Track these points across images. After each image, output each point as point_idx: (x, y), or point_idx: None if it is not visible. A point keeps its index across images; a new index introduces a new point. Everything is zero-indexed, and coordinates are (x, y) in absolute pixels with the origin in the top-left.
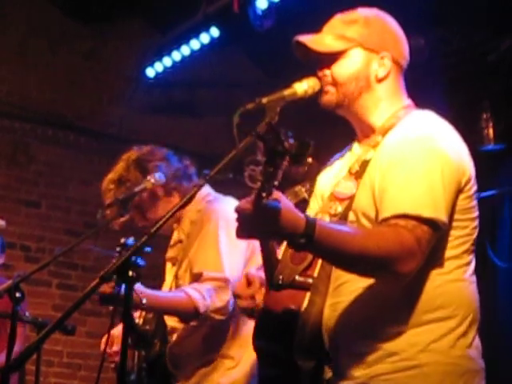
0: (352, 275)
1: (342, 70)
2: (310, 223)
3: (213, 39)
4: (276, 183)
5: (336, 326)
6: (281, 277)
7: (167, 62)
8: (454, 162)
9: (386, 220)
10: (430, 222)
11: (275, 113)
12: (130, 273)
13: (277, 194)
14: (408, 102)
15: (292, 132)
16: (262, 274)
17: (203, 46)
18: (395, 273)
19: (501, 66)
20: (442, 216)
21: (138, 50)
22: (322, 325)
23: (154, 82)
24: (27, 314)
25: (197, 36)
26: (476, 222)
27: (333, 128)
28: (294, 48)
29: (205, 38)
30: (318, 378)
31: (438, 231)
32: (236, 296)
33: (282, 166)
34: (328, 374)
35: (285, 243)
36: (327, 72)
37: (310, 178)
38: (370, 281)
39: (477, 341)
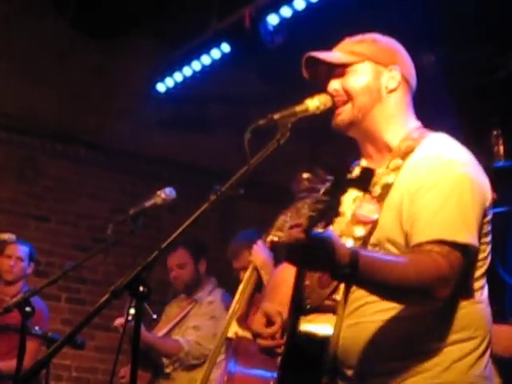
0: (375, 297)
1: (354, 82)
2: (354, 254)
3: (224, 55)
4: (335, 213)
5: (359, 346)
6: (309, 301)
7: (178, 77)
8: (481, 187)
9: (420, 245)
10: (464, 248)
11: (287, 129)
12: (141, 288)
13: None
14: (419, 123)
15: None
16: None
17: (214, 62)
18: (431, 299)
19: (510, 82)
20: (474, 241)
21: (147, 66)
22: (340, 345)
23: (164, 97)
24: (37, 328)
25: (208, 52)
26: (490, 246)
27: (347, 142)
28: (303, 67)
29: (216, 53)
30: None
31: (470, 256)
32: (255, 335)
33: (342, 196)
34: None
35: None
36: (337, 86)
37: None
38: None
39: (490, 361)
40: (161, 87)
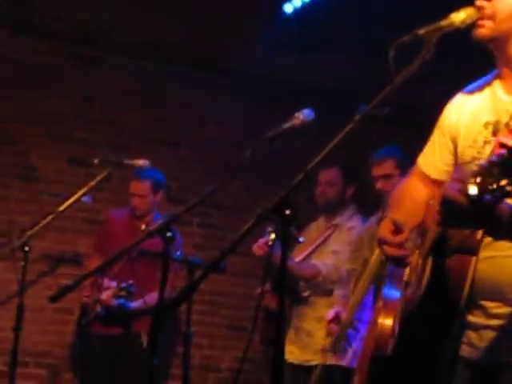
0: None
1: (506, 5)
2: None
3: None
4: None
5: (495, 279)
6: (451, 242)
7: None
8: None
9: None
10: None
11: (432, 44)
12: (287, 211)
13: None
14: None
15: None
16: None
17: None
18: None
19: None
20: None
21: None
22: (476, 277)
23: (290, 18)
24: (178, 253)
25: None
26: None
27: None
28: None
29: None
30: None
31: None
32: (381, 241)
33: None
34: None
35: None
36: (486, 3)
37: None
38: None
39: None
40: (288, 8)
